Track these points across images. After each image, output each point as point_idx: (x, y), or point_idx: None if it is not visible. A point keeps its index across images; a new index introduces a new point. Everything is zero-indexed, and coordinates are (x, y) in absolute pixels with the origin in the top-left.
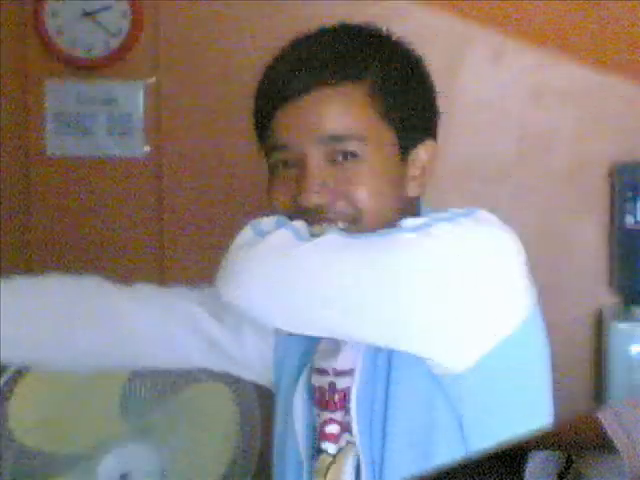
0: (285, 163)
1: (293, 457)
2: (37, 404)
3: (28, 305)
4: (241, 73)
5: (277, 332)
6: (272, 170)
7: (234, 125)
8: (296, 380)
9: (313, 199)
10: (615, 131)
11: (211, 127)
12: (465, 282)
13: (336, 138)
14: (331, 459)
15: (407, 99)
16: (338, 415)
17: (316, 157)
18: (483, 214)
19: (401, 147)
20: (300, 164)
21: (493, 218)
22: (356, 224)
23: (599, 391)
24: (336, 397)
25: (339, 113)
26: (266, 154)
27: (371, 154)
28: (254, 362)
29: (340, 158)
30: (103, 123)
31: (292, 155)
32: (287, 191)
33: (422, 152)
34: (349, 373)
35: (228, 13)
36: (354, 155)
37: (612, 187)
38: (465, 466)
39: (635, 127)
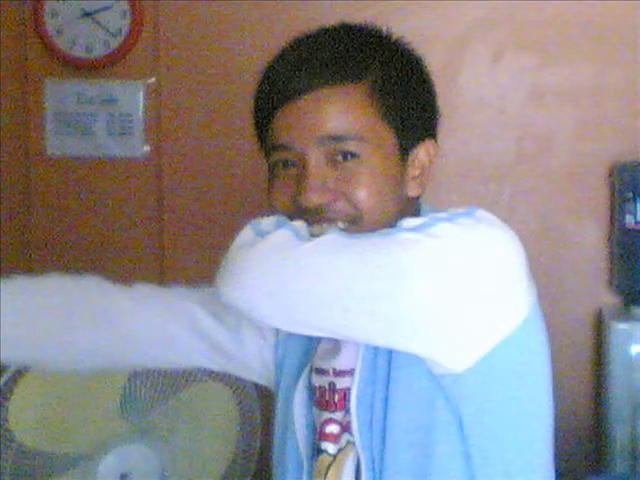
0: (285, 163)
1: (293, 457)
2: (37, 404)
3: (28, 305)
4: (241, 73)
5: (277, 332)
6: (272, 170)
7: (234, 125)
8: (296, 380)
9: (313, 199)
10: (615, 131)
11: (211, 127)
12: (465, 282)
13: (336, 138)
14: (331, 459)
15: (407, 99)
16: (338, 415)
17: (316, 157)
18: (483, 213)
19: (401, 147)
20: (300, 164)
21: (493, 217)
22: (356, 224)
23: (599, 391)
24: (336, 397)
25: (339, 113)
26: (266, 154)
27: (371, 154)
28: (254, 362)
29: (340, 158)
30: (103, 123)
31: (292, 155)
32: (287, 191)
33: (422, 152)
34: (349, 373)
35: (228, 13)
36: (354, 155)
37: (612, 187)
38: None
39: (635, 127)
